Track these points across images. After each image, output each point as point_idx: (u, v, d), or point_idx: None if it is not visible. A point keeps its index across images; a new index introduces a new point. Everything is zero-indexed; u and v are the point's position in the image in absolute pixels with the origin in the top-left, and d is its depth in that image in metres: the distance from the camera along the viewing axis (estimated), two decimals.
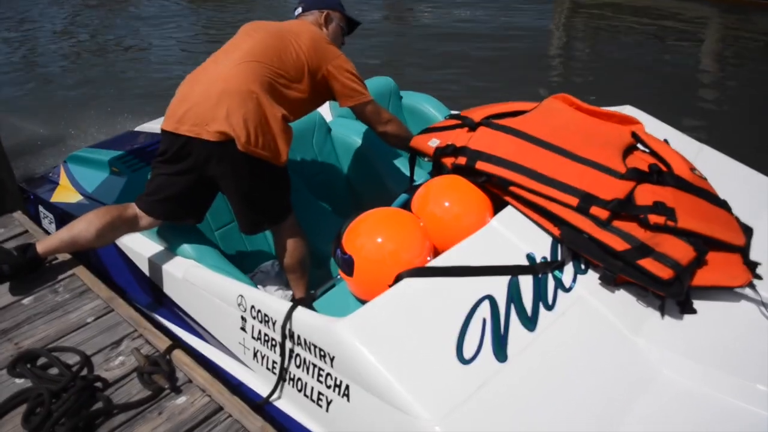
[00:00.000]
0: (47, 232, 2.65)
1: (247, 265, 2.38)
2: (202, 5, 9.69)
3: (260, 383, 1.72)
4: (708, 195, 1.64)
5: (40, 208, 2.84)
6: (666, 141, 1.96)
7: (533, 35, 7.46)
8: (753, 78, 6.13)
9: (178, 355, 1.79)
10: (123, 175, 2.60)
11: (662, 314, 1.48)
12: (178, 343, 1.88)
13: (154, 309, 2.19)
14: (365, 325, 1.37)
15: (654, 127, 2.13)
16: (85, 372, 1.72)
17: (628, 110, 2.24)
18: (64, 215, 2.67)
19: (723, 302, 1.52)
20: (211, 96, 1.81)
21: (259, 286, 2.30)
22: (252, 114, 1.80)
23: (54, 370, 1.71)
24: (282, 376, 1.59)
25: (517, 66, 6.40)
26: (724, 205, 1.67)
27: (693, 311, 1.48)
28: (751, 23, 7.80)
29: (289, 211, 2.02)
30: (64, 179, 2.89)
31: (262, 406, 1.63)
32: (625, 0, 8.56)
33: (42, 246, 2.04)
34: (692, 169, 1.70)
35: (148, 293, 2.23)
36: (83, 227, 1.96)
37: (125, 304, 2.06)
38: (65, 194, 2.81)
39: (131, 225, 2.00)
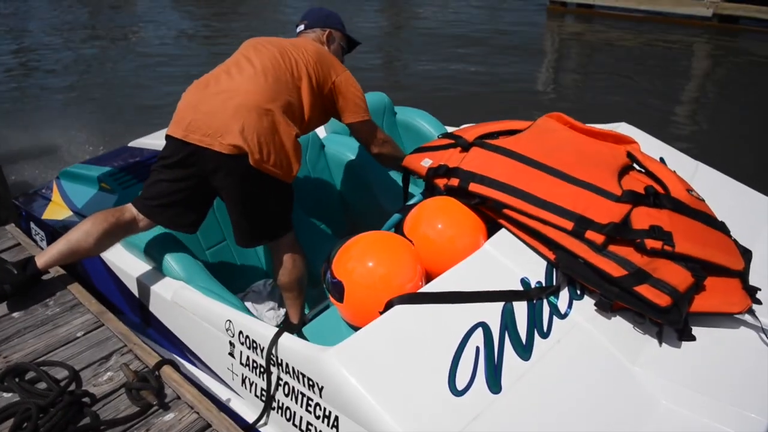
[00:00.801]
0: (39, 247, 2.61)
1: (238, 285, 2.34)
2: (205, 21, 9.66)
3: (249, 410, 1.68)
4: (706, 218, 1.61)
5: (32, 225, 2.81)
6: (662, 159, 1.94)
7: (526, 56, 7.55)
8: (739, 96, 6.20)
9: (167, 371, 1.77)
10: (114, 192, 2.57)
11: (660, 342, 1.44)
12: (167, 359, 1.84)
13: (143, 330, 2.15)
14: (354, 354, 1.33)
15: (650, 145, 2.11)
16: (73, 387, 1.69)
17: (623, 128, 2.22)
18: (55, 232, 2.63)
19: (722, 329, 1.49)
20: (227, 108, 1.80)
21: (249, 305, 2.26)
22: (267, 131, 1.80)
23: (42, 385, 1.69)
24: (269, 404, 1.55)
25: (510, 83, 6.46)
26: (722, 228, 1.64)
27: (692, 338, 1.44)
28: (740, 46, 7.90)
29: (288, 228, 2.00)
30: (56, 196, 2.86)
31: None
32: (618, 23, 8.72)
33: (41, 261, 1.99)
34: (689, 190, 1.67)
35: (137, 313, 2.19)
36: (81, 236, 1.93)
37: (115, 318, 2.03)
38: (57, 211, 2.78)
39: (129, 228, 1.97)
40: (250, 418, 1.63)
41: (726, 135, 5.18)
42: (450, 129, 2.89)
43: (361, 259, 1.57)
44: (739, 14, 8.42)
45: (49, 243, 2.65)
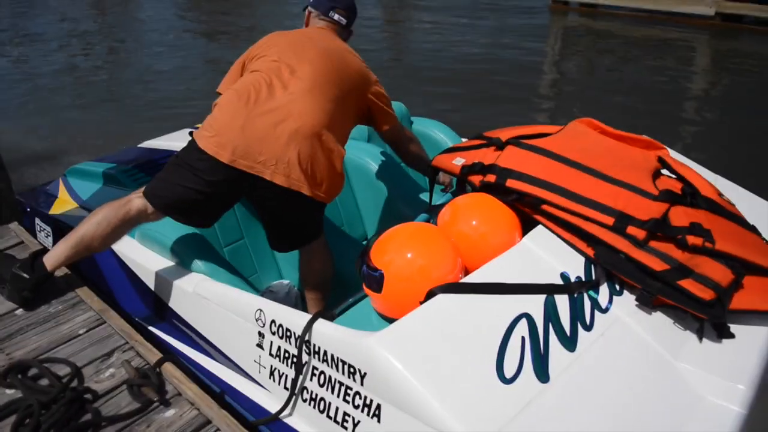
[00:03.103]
0: (42, 244, 2.55)
1: (254, 284, 2.30)
2: (212, 27, 9.61)
3: (274, 403, 1.63)
4: (739, 219, 1.64)
5: (37, 221, 2.74)
6: (681, 163, 1.97)
7: (527, 57, 7.53)
8: (743, 96, 6.23)
9: (168, 368, 1.78)
10: (126, 188, 2.53)
11: (700, 338, 1.44)
12: (168, 356, 1.84)
13: (152, 323, 2.10)
14: (400, 340, 1.30)
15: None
16: (75, 383, 1.71)
17: None
18: (63, 226, 2.58)
19: (759, 327, 1.50)
20: (279, 135, 1.72)
21: None
22: (321, 159, 1.77)
23: (44, 381, 1.70)
24: (296, 393, 1.51)
25: (511, 85, 6.45)
26: (753, 230, 1.66)
27: (731, 335, 1.44)
28: (743, 45, 7.98)
29: (321, 231, 1.99)
30: (63, 193, 2.81)
31: (266, 423, 1.57)
32: (619, 29, 8.77)
33: (50, 261, 1.93)
34: (720, 194, 1.70)
35: (150, 307, 2.14)
36: (90, 230, 1.85)
37: (117, 316, 2.02)
38: (64, 207, 2.72)
39: (139, 219, 1.87)
40: (275, 410, 1.58)
41: (730, 134, 5.19)
42: (465, 140, 2.92)
43: (400, 250, 1.55)
44: (742, 13, 8.42)
45: (55, 238, 2.58)
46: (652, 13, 9.10)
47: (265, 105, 1.75)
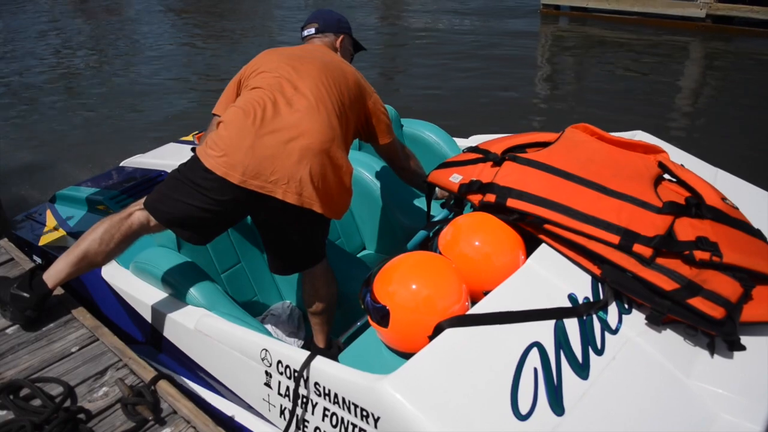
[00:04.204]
0: (33, 261, 2.50)
1: (254, 308, 2.27)
2: (204, 38, 9.53)
3: None
4: (744, 226, 1.61)
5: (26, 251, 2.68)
6: (682, 166, 1.95)
7: (518, 61, 7.54)
8: (736, 97, 6.26)
9: (162, 385, 1.76)
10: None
11: (711, 353, 1.44)
12: (163, 373, 1.82)
13: (153, 355, 2.07)
14: (412, 382, 1.28)
15: (668, 153, 2.11)
16: (68, 403, 1.70)
17: (639, 136, 2.23)
18: (53, 258, 2.54)
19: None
20: (290, 152, 1.69)
21: (270, 328, 2.19)
22: (332, 176, 1.74)
23: (37, 402, 1.68)
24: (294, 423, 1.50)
25: (503, 90, 6.48)
26: (759, 235, 1.65)
27: (742, 348, 1.44)
28: (734, 46, 7.94)
29: (324, 254, 1.96)
30: (50, 220, 2.75)
31: None
32: (610, 33, 8.74)
33: (51, 278, 1.87)
34: (723, 198, 1.68)
35: (148, 339, 2.11)
36: (90, 245, 1.80)
37: (110, 333, 1.99)
38: (53, 236, 2.68)
39: (140, 232, 1.84)
40: None
41: (723, 136, 5.21)
42: (457, 140, 2.87)
43: (404, 281, 1.52)
44: (733, 14, 8.33)
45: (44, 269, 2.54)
46: (643, 16, 9.04)
47: (272, 124, 1.73)
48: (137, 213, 1.83)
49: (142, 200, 1.85)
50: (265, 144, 1.70)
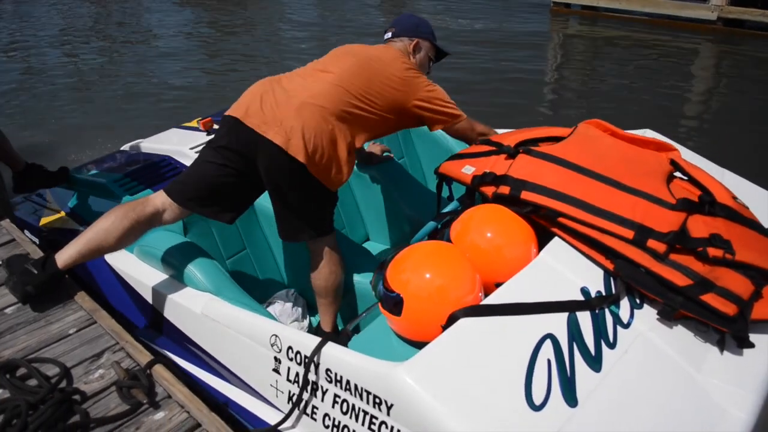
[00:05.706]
0: (34, 242, 2.48)
1: (258, 295, 2.26)
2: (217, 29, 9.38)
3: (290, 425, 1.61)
4: (755, 225, 1.63)
5: (26, 233, 2.65)
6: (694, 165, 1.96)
7: (529, 59, 7.49)
8: (746, 100, 6.25)
9: (158, 369, 1.76)
10: (116, 197, 2.46)
11: (721, 350, 1.45)
12: (158, 357, 1.82)
13: (152, 337, 2.06)
14: (426, 370, 1.28)
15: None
16: (64, 384, 1.69)
17: (648, 135, 2.24)
18: (51, 238, 2.52)
19: None
20: (292, 103, 1.82)
21: (274, 314, 2.18)
22: (326, 136, 1.80)
23: (33, 382, 1.68)
24: (298, 408, 1.50)
25: (513, 88, 6.45)
26: None
27: (751, 345, 1.45)
28: (746, 50, 7.93)
29: (328, 231, 1.97)
30: (51, 202, 2.73)
31: None
32: (621, 33, 8.70)
33: (62, 259, 1.89)
34: (734, 197, 1.69)
35: (149, 321, 2.09)
36: (102, 233, 1.84)
37: (108, 316, 1.99)
38: (53, 217, 2.65)
39: (152, 222, 1.89)
40: None
41: (731, 137, 5.21)
42: (485, 138, 2.86)
43: (419, 270, 1.52)
44: (745, 18, 8.30)
45: (43, 250, 2.52)
46: (653, 17, 8.98)
47: (289, 84, 1.90)
48: (153, 199, 1.90)
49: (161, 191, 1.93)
50: (275, 94, 1.85)
